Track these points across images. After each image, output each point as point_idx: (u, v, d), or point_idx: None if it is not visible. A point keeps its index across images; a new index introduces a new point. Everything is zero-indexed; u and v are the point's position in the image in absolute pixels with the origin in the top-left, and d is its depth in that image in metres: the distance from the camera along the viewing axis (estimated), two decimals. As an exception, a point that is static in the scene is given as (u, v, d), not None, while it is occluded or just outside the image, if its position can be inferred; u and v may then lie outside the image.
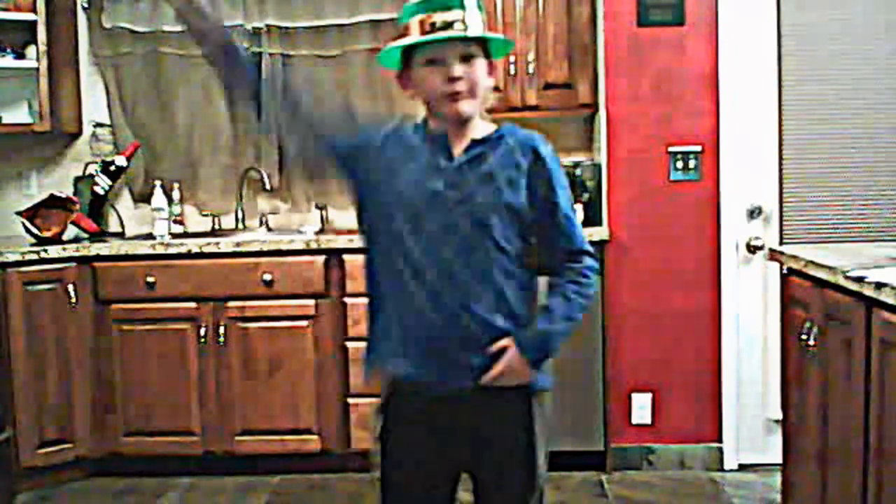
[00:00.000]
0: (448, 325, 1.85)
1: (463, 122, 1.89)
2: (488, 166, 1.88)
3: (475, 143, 1.90)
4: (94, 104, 4.41)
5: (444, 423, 1.91)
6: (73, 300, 3.79)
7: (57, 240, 3.97)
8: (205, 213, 4.40)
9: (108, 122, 4.40)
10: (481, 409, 1.90)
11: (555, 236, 1.94)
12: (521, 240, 1.90)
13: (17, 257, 3.71)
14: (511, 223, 1.88)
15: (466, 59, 1.84)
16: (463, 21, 1.83)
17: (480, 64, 1.87)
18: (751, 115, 3.71)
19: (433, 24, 1.82)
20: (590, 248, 1.98)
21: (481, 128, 1.93)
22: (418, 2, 1.85)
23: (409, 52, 1.88)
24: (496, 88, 3.88)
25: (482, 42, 1.88)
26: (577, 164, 3.89)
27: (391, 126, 1.96)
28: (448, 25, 1.82)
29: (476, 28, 1.85)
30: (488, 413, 1.91)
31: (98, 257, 3.84)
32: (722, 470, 3.79)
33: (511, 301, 1.89)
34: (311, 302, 3.78)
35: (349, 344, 3.76)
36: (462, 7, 1.84)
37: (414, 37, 1.84)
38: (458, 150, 1.89)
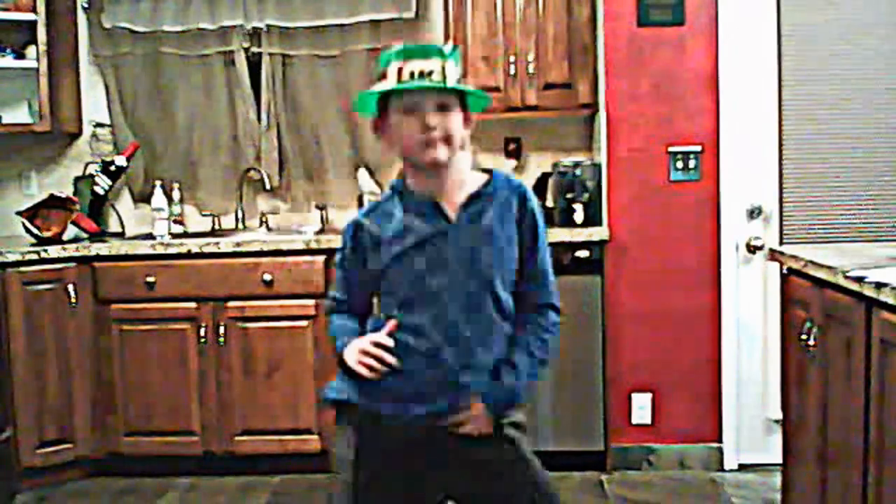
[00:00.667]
0: (444, 380, 1.90)
1: (440, 169, 1.89)
2: (488, 223, 1.91)
3: (471, 198, 1.92)
4: (94, 104, 4.41)
5: (427, 456, 1.94)
6: (73, 300, 3.79)
7: (57, 240, 3.97)
8: (205, 213, 4.40)
9: (108, 122, 4.40)
10: (462, 442, 1.94)
11: (529, 286, 1.99)
12: (513, 294, 1.97)
13: (17, 257, 3.71)
14: (510, 279, 1.95)
15: (442, 108, 1.85)
16: (441, 71, 1.83)
17: (456, 115, 1.88)
18: (751, 115, 3.71)
19: (411, 73, 1.82)
20: (557, 304, 2.05)
21: (472, 179, 1.95)
22: (397, 49, 1.86)
23: (385, 99, 1.89)
24: (496, 89, 3.90)
25: (459, 94, 1.89)
26: (577, 164, 3.89)
27: (369, 212, 1.98)
28: (426, 75, 1.82)
29: (453, 79, 1.86)
30: (471, 447, 1.95)
31: (98, 257, 3.84)
32: (722, 470, 3.79)
33: (500, 356, 1.96)
34: (311, 302, 3.78)
35: (349, 344, 3.76)
36: (441, 57, 1.85)
37: (390, 83, 1.85)
38: (452, 207, 1.91)
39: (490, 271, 1.90)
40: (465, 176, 1.95)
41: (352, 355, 1.92)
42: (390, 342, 1.89)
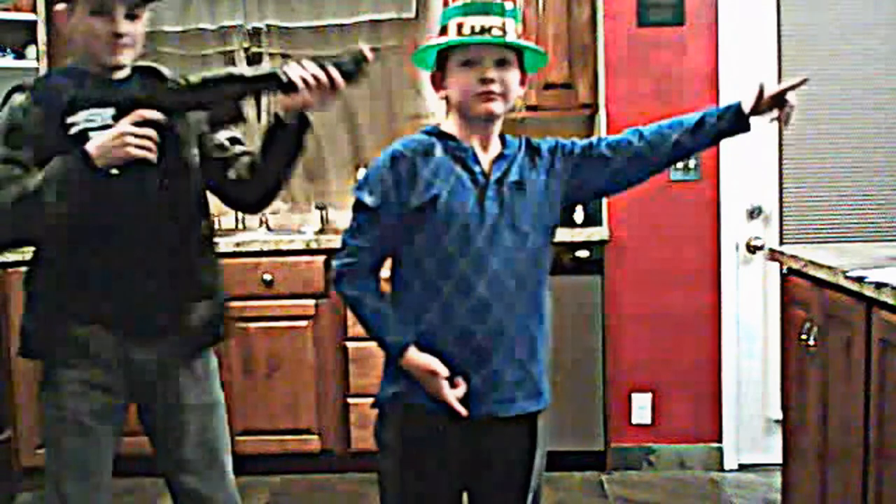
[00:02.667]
0: (493, 336, 1.87)
1: (489, 123, 1.91)
2: (517, 176, 1.92)
3: (500, 156, 1.94)
4: (94, 104, 4.40)
5: (456, 445, 1.92)
6: (73, 300, 3.79)
7: (57, 240, 3.96)
8: (205, 213, 4.39)
9: (108, 122, 4.40)
10: (489, 432, 1.93)
11: (615, 154, 1.97)
12: (548, 242, 1.97)
13: (17, 257, 3.70)
14: (544, 231, 1.95)
15: (501, 63, 1.87)
16: (501, 27, 1.86)
17: (514, 71, 1.90)
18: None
19: (472, 28, 1.85)
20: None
21: (496, 142, 1.96)
22: (458, 5, 1.88)
23: (444, 54, 1.90)
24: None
25: (517, 52, 1.90)
26: (577, 164, 3.89)
27: (403, 154, 1.91)
28: (486, 30, 1.85)
29: (513, 36, 1.88)
30: (495, 436, 1.94)
31: (98, 257, 3.84)
32: (722, 470, 3.79)
33: (543, 305, 1.95)
34: (311, 302, 3.78)
35: (349, 344, 3.76)
36: (501, 14, 1.87)
37: (451, 37, 1.87)
38: (486, 161, 1.92)
39: (524, 224, 1.90)
40: (497, 137, 1.97)
41: (418, 371, 1.88)
42: (446, 372, 1.86)
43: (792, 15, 3.69)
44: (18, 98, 2.02)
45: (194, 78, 2.03)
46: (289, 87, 1.95)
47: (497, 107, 1.88)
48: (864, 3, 3.68)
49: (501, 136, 1.97)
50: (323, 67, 1.93)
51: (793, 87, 1.92)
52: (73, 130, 1.98)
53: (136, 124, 1.90)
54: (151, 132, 1.91)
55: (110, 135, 1.89)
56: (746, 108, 1.94)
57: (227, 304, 2.26)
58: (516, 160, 1.94)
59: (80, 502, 2.08)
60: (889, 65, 3.68)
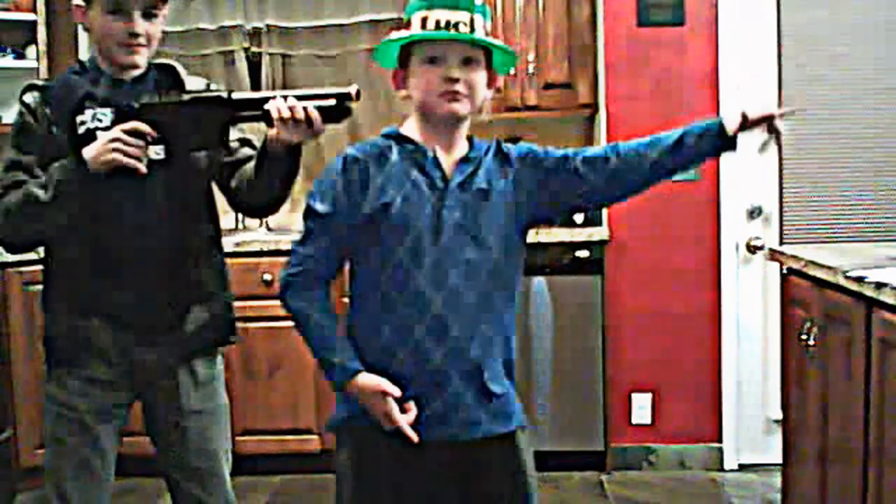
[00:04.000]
0: (451, 357, 1.74)
1: (453, 126, 1.79)
2: (484, 183, 1.79)
3: (464, 160, 1.81)
4: (94, 104, 4.40)
5: (421, 472, 1.78)
6: (73, 300, 3.79)
7: (57, 240, 3.97)
8: (205, 213, 4.39)
9: (108, 122, 4.40)
10: (470, 456, 1.80)
11: (590, 171, 1.83)
12: (515, 258, 1.84)
13: (18, 257, 3.70)
14: (511, 243, 1.81)
15: (467, 62, 1.75)
16: (469, 24, 1.74)
17: (481, 71, 1.78)
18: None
19: (437, 23, 1.72)
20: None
21: (462, 144, 1.83)
22: None
23: (407, 50, 1.78)
24: (496, 89, 3.89)
25: (486, 51, 1.79)
26: (577, 164, 3.89)
27: (355, 158, 1.78)
28: (452, 26, 1.72)
29: (481, 33, 1.77)
30: (472, 461, 1.81)
31: (98, 257, 3.84)
32: (722, 470, 3.79)
33: (510, 325, 1.83)
34: (311, 302, 3.78)
35: (349, 344, 3.76)
36: (470, 9, 1.75)
37: (414, 31, 1.75)
38: (448, 165, 1.80)
39: (487, 234, 1.77)
40: (463, 140, 1.84)
41: (370, 400, 1.73)
42: (398, 392, 1.73)
43: (792, 15, 3.69)
44: (29, 97, 2.03)
45: (186, 96, 2.02)
46: (270, 121, 1.88)
47: (461, 108, 1.75)
48: (864, 3, 3.68)
49: (469, 139, 1.84)
50: (306, 105, 1.85)
51: (782, 116, 1.82)
52: (81, 129, 1.98)
53: (128, 132, 1.89)
54: (141, 143, 1.89)
55: (102, 140, 1.89)
56: (731, 130, 1.83)
57: (232, 306, 2.26)
58: (483, 164, 1.81)
59: (79, 501, 2.07)
60: (889, 65, 3.67)
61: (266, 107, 1.86)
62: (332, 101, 1.85)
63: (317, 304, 1.81)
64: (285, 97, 1.84)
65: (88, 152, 1.89)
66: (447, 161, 1.80)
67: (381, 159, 1.78)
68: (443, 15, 1.73)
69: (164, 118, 1.93)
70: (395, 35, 1.79)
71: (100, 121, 1.99)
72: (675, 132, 1.83)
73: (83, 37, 4.37)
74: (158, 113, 1.94)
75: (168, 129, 1.94)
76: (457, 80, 1.74)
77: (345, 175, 1.77)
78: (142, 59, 2.02)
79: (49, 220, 1.93)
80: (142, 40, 1.99)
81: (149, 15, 1.99)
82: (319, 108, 1.84)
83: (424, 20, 1.74)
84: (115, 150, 1.87)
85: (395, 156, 1.78)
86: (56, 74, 2.29)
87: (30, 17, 4.05)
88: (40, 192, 1.90)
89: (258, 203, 2.15)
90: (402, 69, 1.82)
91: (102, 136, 1.91)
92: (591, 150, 1.87)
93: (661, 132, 1.84)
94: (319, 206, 1.78)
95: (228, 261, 3.97)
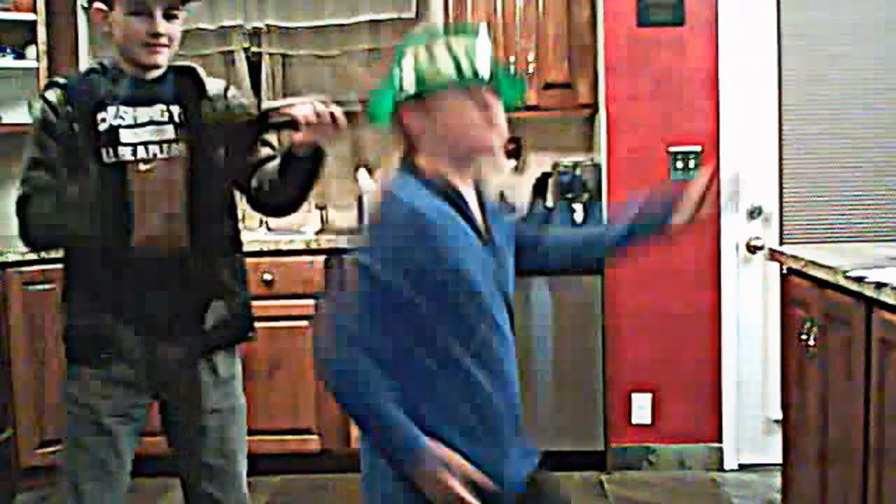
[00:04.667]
0: (507, 401, 1.66)
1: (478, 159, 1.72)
2: (496, 232, 1.73)
3: (482, 205, 1.72)
4: (94, 104, 4.40)
5: None
6: (73, 300, 3.79)
7: (57, 240, 3.97)
8: (205, 213, 4.39)
9: (108, 122, 4.40)
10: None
11: (558, 250, 1.87)
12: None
13: (17, 257, 3.70)
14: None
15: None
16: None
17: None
18: (751, 115, 3.71)
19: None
20: None
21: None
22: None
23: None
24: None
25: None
26: (577, 164, 3.90)
27: (421, 212, 1.57)
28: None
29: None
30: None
31: (98, 257, 3.84)
32: (722, 470, 3.79)
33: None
34: (311, 302, 3.76)
35: (349, 344, 3.75)
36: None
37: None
38: (476, 212, 1.69)
39: (509, 276, 1.72)
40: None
41: (435, 483, 1.52)
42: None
43: (792, 15, 3.69)
44: (51, 95, 2.05)
45: (219, 112, 2.11)
46: (297, 126, 1.98)
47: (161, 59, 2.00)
48: (864, 3, 3.68)
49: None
50: (332, 109, 1.97)
51: (708, 188, 1.83)
52: (103, 127, 2.01)
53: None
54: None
55: None
56: (679, 222, 1.85)
57: (250, 304, 2.28)
58: (491, 212, 1.73)
59: (95, 500, 2.08)
60: (889, 65, 3.67)
61: (293, 112, 1.95)
62: (353, 99, 1.96)
63: (382, 389, 1.55)
64: (312, 103, 1.95)
65: None
66: (474, 206, 1.69)
67: (442, 211, 1.60)
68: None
69: (200, 128, 2.04)
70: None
71: (122, 118, 2.02)
72: (627, 215, 1.85)
73: (83, 37, 4.37)
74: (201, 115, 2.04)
75: (198, 130, 2.03)
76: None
77: (408, 230, 1.55)
78: (163, 58, 2.05)
79: (79, 222, 1.97)
80: (164, 40, 2.02)
81: (170, 16, 2.03)
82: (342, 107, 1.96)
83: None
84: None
85: (447, 206, 1.61)
86: (71, 72, 2.32)
87: (30, 17, 4.05)
88: (71, 195, 1.94)
89: (280, 203, 2.20)
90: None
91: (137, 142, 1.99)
92: (558, 237, 1.91)
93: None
94: (376, 274, 1.54)
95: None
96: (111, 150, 2.00)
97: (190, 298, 2.10)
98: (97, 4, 2.03)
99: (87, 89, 2.04)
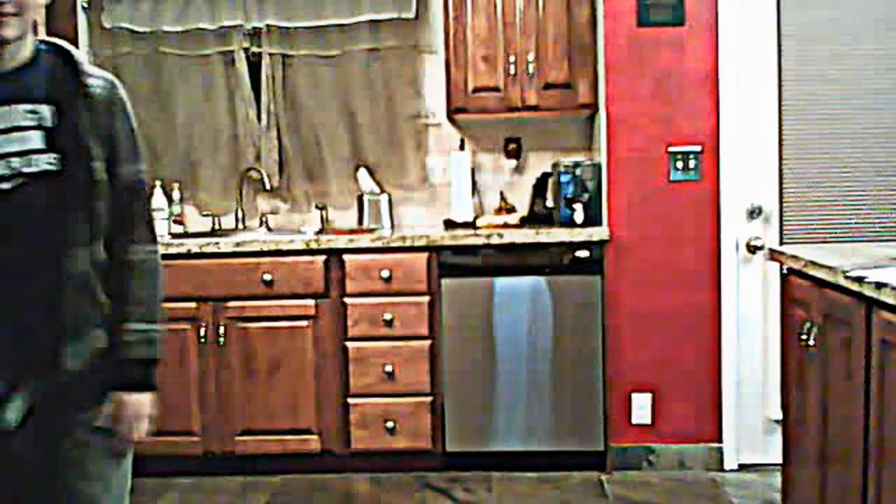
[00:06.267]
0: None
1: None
2: None
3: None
4: (94, 104, 4.40)
5: None
6: (73, 300, 3.77)
7: (57, 240, 3.94)
8: (205, 213, 4.40)
9: (108, 122, 4.39)
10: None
11: None
12: None
13: None
14: None
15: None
16: None
17: None
18: (751, 115, 3.71)
19: None
20: None
21: None
22: None
23: None
24: (496, 89, 3.93)
25: None
26: (577, 164, 3.90)
27: None
28: None
29: None
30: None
31: (98, 257, 3.83)
32: (722, 470, 3.79)
33: None
34: (311, 302, 3.78)
35: (349, 344, 3.76)
36: None
37: None
38: None
39: None
40: None
41: None
42: None
43: (792, 15, 3.69)
44: None
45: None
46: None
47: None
48: (864, 3, 3.68)
49: None
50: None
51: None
52: None
53: None
54: None
55: None
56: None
57: (111, 352, 1.83)
58: None
59: None
60: (889, 64, 3.68)
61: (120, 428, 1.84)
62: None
63: None
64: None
65: None
66: None
67: None
68: None
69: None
70: None
71: None
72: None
73: (83, 36, 4.37)
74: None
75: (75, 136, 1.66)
76: None
77: None
78: (11, 30, 1.59)
79: None
80: (8, 7, 1.57)
81: None
82: None
83: None
84: None
85: None
86: None
87: (30, 17, 4.05)
88: None
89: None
90: None
91: None
92: None
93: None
94: None
95: (229, 261, 3.97)
96: None
97: (35, 337, 1.70)
98: None
99: None
